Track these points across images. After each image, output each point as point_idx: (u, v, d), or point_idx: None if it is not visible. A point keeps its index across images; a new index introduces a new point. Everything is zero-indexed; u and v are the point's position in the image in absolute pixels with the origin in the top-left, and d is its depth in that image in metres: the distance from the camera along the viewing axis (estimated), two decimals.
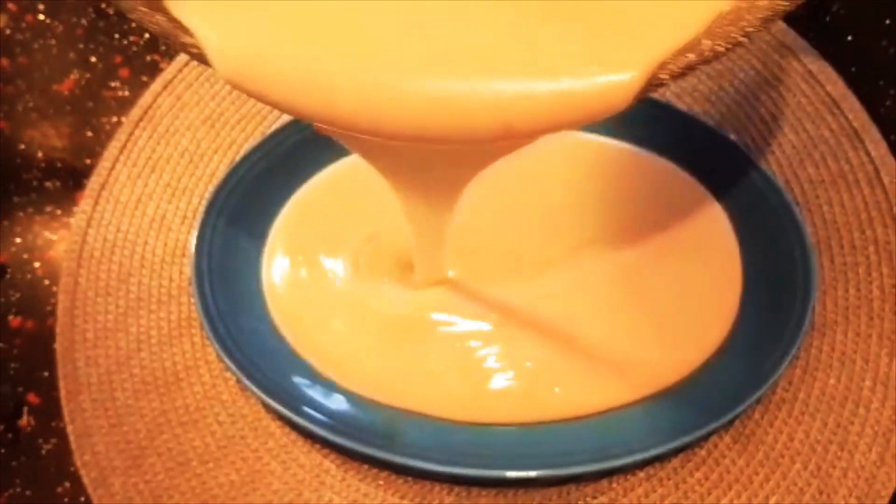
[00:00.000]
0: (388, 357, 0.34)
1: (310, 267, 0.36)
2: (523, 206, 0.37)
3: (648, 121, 0.36)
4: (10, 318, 0.37)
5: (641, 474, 0.32)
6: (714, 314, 0.34)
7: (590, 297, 0.35)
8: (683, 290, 0.34)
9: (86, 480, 0.33)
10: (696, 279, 0.35)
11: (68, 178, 0.40)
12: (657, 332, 0.34)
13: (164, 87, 0.40)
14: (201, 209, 0.36)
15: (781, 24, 0.39)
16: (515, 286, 0.35)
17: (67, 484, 0.33)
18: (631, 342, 0.34)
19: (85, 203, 0.38)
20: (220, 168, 0.38)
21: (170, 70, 0.40)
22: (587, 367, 0.33)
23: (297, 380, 0.33)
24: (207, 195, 0.36)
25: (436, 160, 0.25)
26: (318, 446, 0.33)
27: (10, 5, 0.44)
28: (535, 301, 0.35)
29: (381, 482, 0.32)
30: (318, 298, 0.35)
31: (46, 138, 0.41)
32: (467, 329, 0.34)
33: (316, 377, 0.33)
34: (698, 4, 0.20)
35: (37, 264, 0.38)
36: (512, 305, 0.35)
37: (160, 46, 0.42)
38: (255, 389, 0.32)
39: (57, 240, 0.39)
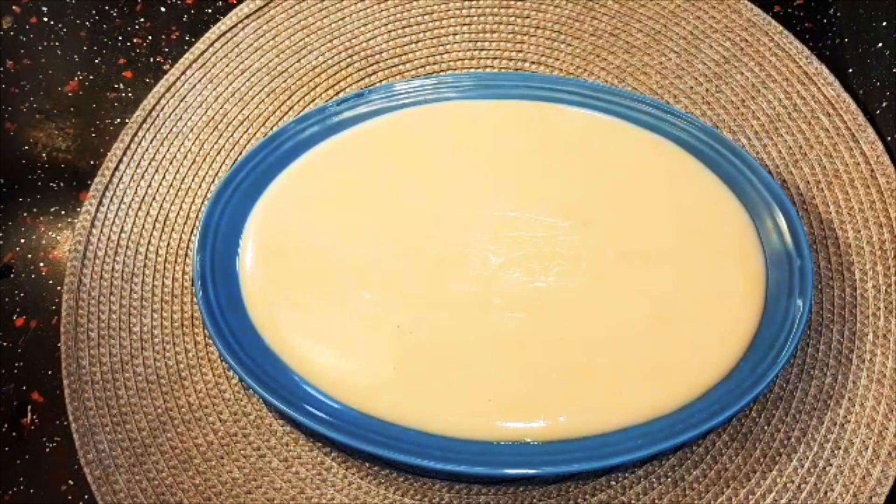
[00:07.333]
0: (378, 370, 0.33)
1: (283, 266, 0.35)
2: (535, 215, 0.36)
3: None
4: (15, 317, 0.37)
5: (640, 472, 0.32)
6: (731, 336, 0.33)
7: (602, 316, 0.34)
8: (704, 306, 0.33)
9: (89, 478, 0.33)
10: (718, 292, 0.34)
11: (72, 179, 0.40)
12: (674, 353, 0.33)
13: (168, 90, 0.40)
14: (204, 210, 0.36)
15: (778, 27, 0.40)
16: (514, 297, 0.34)
17: (71, 482, 0.34)
18: (655, 361, 0.33)
19: (89, 203, 0.38)
20: (222, 169, 0.39)
21: (173, 72, 0.41)
22: (595, 390, 0.32)
23: (298, 378, 0.33)
24: (210, 196, 0.37)
25: None
26: (320, 444, 0.33)
27: (15, 7, 0.44)
28: (535, 314, 0.34)
29: (382, 479, 0.33)
30: (294, 301, 0.35)
31: (51, 139, 0.41)
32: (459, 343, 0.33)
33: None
34: None
35: (41, 264, 0.38)
36: (510, 316, 0.34)
37: (164, 48, 0.43)
38: (257, 388, 0.32)
39: (61, 240, 0.39)
